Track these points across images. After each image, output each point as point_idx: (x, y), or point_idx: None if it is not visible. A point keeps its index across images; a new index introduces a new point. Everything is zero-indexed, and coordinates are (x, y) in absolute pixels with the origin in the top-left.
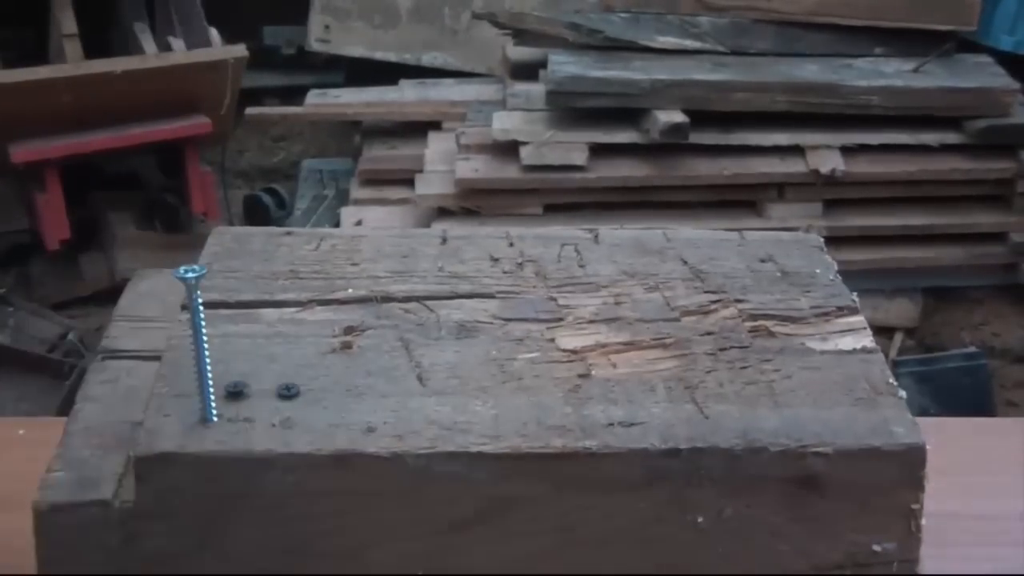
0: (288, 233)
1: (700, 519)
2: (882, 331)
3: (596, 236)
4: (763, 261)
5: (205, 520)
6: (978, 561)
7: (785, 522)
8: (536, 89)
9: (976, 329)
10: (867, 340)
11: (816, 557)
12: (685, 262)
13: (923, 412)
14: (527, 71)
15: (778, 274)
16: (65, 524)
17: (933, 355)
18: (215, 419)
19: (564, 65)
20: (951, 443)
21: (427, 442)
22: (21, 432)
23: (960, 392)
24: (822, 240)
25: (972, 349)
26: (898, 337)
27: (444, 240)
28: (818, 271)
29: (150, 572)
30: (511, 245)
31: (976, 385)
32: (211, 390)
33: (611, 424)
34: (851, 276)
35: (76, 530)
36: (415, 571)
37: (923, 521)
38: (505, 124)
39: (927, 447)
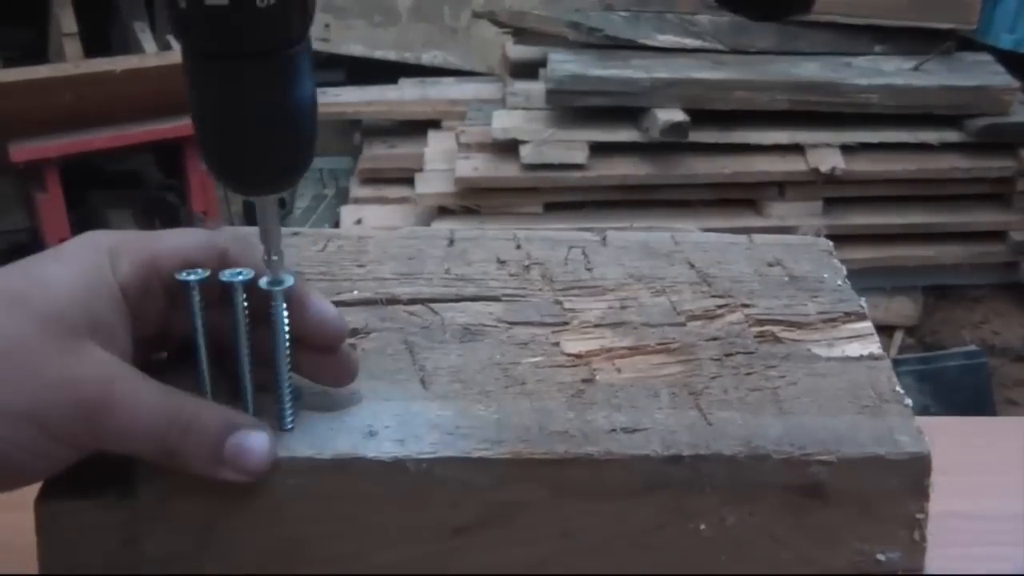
0: (295, 233)
1: (702, 526)
2: (882, 330)
3: (604, 239)
4: (771, 265)
5: (206, 523)
6: (978, 561)
7: (788, 530)
8: (536, 88)
9: (976, 328)
10: (874, 347)
11: (819, 566)
12: (692, 266)
13: (923, 411)
14: (527, 70)
15: (786, 278)
16: (66, 524)
17: (933, 354)
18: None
19: (564, 64)
20: (951, 442)
21: (428, 447)
22: None
23: (960, 391)
24: (831, 244)
25: (972, 348)
26: (898, 336)
27: (451, 242)
28: (826, 276)
29: (151, 572)
30: (518, 247)
31: (976, 384)
32: (214, 391)
33: (613, 430)
34: (851, 275)
35: (77, 531)
36: (415, 575)
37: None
38: (505, 123)
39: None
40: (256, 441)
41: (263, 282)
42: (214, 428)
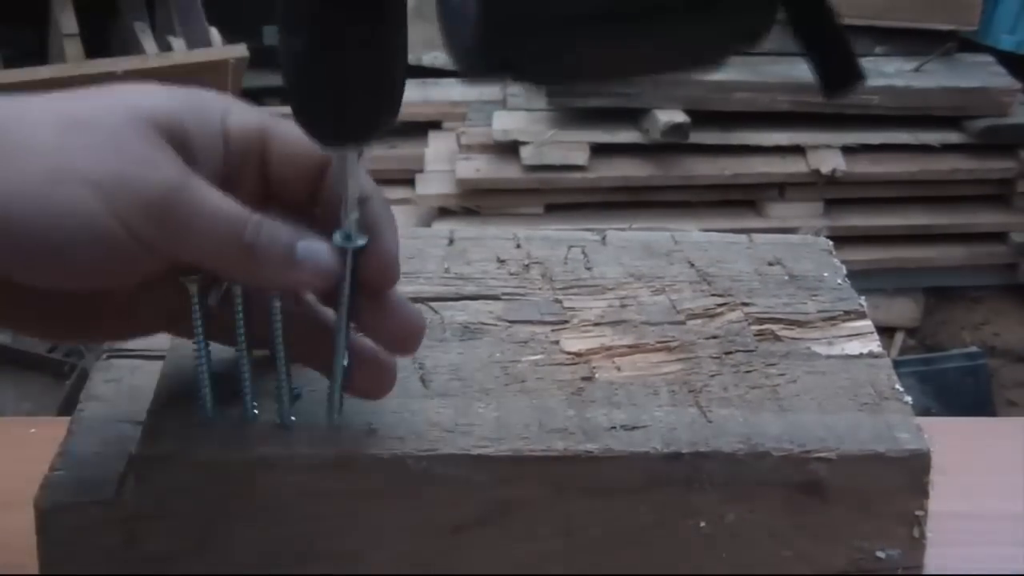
0: None
1: (702, 524)
2: (883, 331)
3: (604, 238)
4: (771, 264)
5: (206, 521)
6: (978, 561)
7: (788, 528)
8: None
9: (977, 329)
10: (874, 345)
11: (819, 563)
12: (692, 265)
13: (924, 412)
14: None
15: (786, 277)
16: (66, 524)
17: (934, 355)
18: (217, 420)
19: None
20: (951, 443)
21: (428, 444)
22: (33, 431)
23: (961, 392)
24: (831, 244)
25: (973, 349)
26: (899, 337)
27: (451, 241)
28: (826, 275)
29: (151, 572)
30: (518, 247)
31: (977, 385)
32: (213, 390)
33: (613, 427)
34: (852, 276)
35: (77, 530)
36: (415, 573)
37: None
38: (506, 124)
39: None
40: (323, 247)
41: (337, 238)
42: (285, 229)
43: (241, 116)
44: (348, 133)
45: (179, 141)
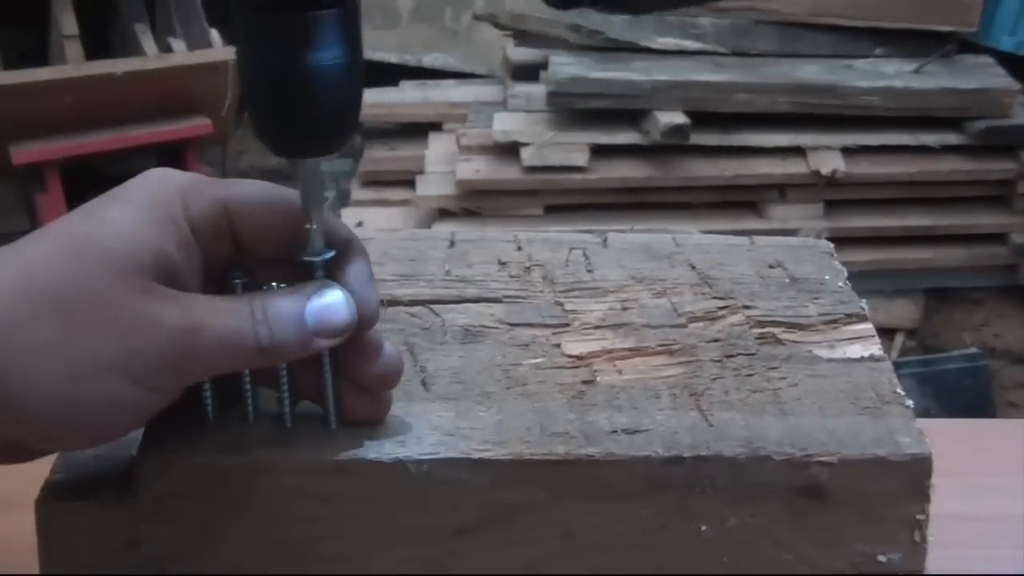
0: None
1: (703, 527)
2: (883, 332)
3: (605, 240)
4: (772, 267)
5: (206, 523)
6: (978, 562)
7: (789, 531)
8: (537, 90)
9: (977, 330)
10: (875, 348)
11: (820, 567)
12: (693, 267)
13: (924, 413)
14: (528, 72)
15: (787, 280)
16: (67, 525)
17: (934, 356)
18: (218, 422)
19: (565, 66)
20: (951, 445)
21: (429, 448)
22: None
23: (961, 393)
24: (832, 246)
25: (973, 350)
26: (899, 338)
27: (452, 243)
28: (827, 277)
29: (151, 574)
30: (519, 249)
31: (977, 386)
32: (214, 393)
33: (614, 431)
34: (852, 277)
35: (78, 532)
36: None
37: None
38: (506, 125)
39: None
40: (331, 300)
41: (303, 256)
42: (291, 307)
43: (198, 201)
44: (317, 145)
45: (162, 266)
